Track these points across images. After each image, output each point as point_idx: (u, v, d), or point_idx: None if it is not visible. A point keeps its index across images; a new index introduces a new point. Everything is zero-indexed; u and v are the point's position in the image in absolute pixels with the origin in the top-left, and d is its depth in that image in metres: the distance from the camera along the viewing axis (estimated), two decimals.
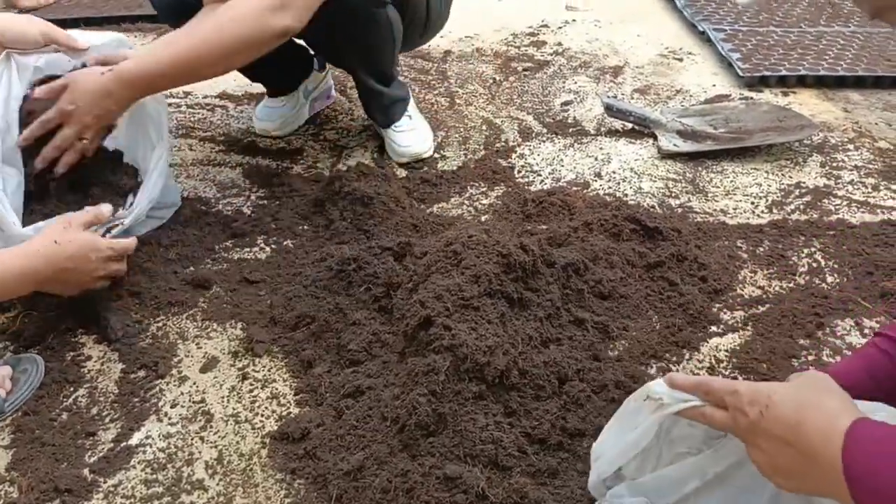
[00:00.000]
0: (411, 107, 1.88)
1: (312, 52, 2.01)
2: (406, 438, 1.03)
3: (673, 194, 1.69)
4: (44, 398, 1.18)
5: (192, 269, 1.46)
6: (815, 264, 1.44)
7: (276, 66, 1.91)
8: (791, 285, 1.39)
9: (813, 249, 1.49)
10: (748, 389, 0.71)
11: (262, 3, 1.32)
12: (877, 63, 2.26)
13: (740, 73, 2.23)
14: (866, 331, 1.28)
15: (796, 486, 0.69)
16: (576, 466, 1.03)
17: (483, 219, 1.61)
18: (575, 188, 1.71)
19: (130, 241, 1.30)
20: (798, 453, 0.66)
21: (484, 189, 1.73)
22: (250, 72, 1.92)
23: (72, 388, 1.20)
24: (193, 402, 1.17)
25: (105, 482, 1.04)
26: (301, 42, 1.92)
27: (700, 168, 1.80)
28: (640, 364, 1.21)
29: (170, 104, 2.15)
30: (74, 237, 1.20)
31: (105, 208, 1.29)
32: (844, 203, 1.64)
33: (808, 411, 0.66)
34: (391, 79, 1.80)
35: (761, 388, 0.71)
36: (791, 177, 1.75)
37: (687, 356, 1.24)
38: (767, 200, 1.66)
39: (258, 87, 2.15)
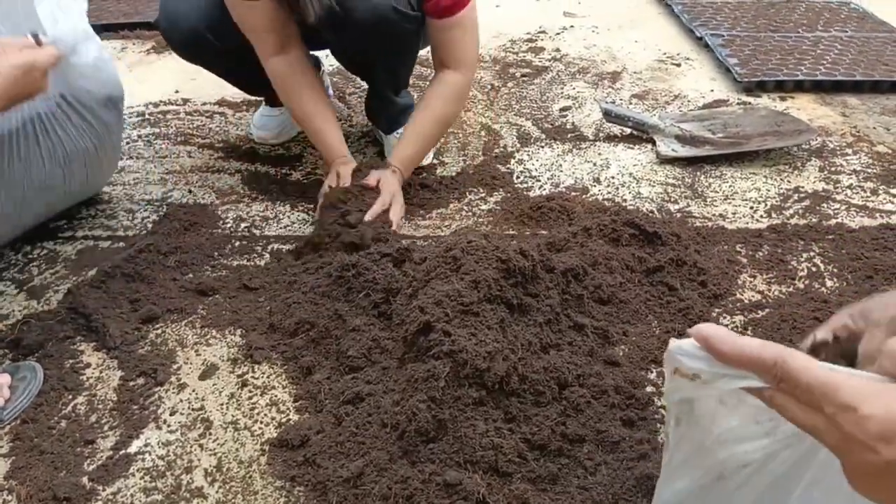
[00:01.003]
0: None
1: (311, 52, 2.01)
2: (406, 445, 1.03)
3: (672, 199, 1.69)
4: (42, 406, 1.18)
5: (191, 275, 1.46)
6: (814, 269, 1.44)
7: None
8: (790, 290, 1.39)
9: (812, 254, 1.49)
10: (880, 413, 0.44)
11: (471, 77, 1.67)
12: (874, 67, 2.27)
13: (738, 79, 2.24)
14: None
15: None
16: (576, 472, 1.03)
17: (482, 224, 1.61)
18: (574, 193, 1.71)
19: (53, 49, 1.24)
20: None
21: (483, 195, 1.73)
22: (248, 86, 1.91)
23: (70, 396, 1.20)
24: (192, 410, 1.17)
25: (104, 490, 1.04)
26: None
27: (699, 173, 1.80)
28: (641, 369, 1.21)
29: (167, 111, 2.16)
30: (15, 61, 1.16)
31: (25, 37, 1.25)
32: (843, 207, 1.65)
33: None
34: (404, 88, 1.82)
35: None
36: (790, 181, 1.75)
37: None
38: (766, 205, 1.66)
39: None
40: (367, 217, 1.48)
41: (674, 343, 0.57)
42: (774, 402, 0.51)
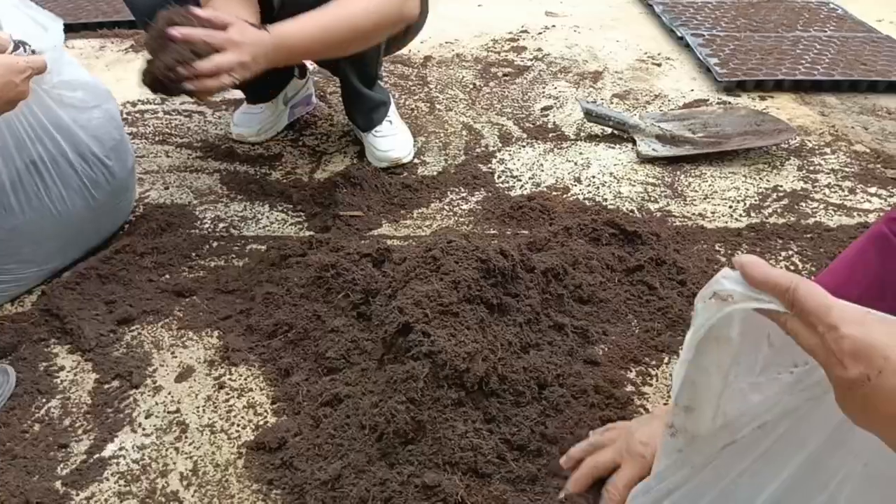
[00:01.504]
0: (392, 112, 1.87)
1: None
2: (384, 447, 1.02)
3: (652, 199, 1.69)
4: (15, 409, 1.16)
5: (167, 276, 1.44)
6: (792, 267, 1.45)
7: (257, 76, 1.90)
8: None
9: (791, 252, 1.49)
10: (855, 334, 0.52)
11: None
12: (853, 67, 2.29)
13: (718, 78, 2.25)
14: None
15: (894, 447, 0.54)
16: (556, 473, 1.03)
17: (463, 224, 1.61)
18: (555, 193, 1.71)
19: (42, 58, 1.20)
20: None
21: (464, 194, 1.72)
22: None
23: (44, 399, 1.18)
24: (168, 413, 1.15)
25: (78, 495, 1.02)
26: None
27: (679, 172, 1.80)
28: (620, 368, 1.21)
29: (146, 110, 2.14)
30: None
31: (2, 35, 1.19)
32: (822, 206, 1.66)
33: None
34: (374, 81, 1.80)
35: (875, 339, 0.51)
36: (769, 180, 1.76)
37: (667, 360, 1.24)
38: (745, 204, 1.67)
39: (236, 93, 2.13)
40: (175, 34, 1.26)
41: (721, 271, 0.63)
42: (788, 326, 0.57)
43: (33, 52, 1.21)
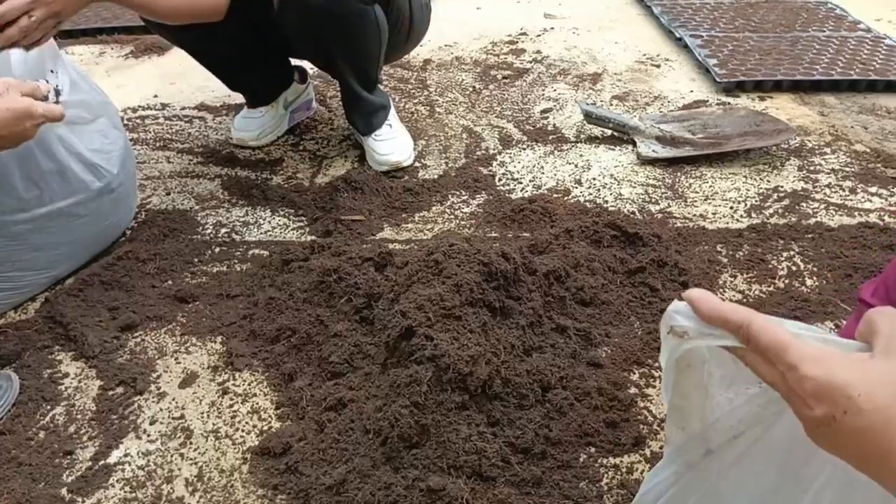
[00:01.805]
0: (392, 115, 1.88)
1: (295, 64, 2.00)
2: (389, 451, 1.02)
3: (653, 200, 1.69)
4: (20, 417, 1.16)
5: (170, 282, 1.44)
6: (794, 267, 1.45)
7: (257, 77, 1.91)
8: (771, 289, 1.40)
9: (792, 253, 1.50)
10: (817, 375, 0.50)
11: None
12: (851, 67, 2.29)
13: (717, 79, 2.25)
14: None
15: (868, 476, 0.52)
16: (560, 475, 1.03)
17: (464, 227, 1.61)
18: (555, 195, 1.71)
19: (59, 109, 1.20)
20: (882, 474, 0.50)
21: (465, 197, 1.73)
22: (231, 81, 1.91)
23: (49, 406, 1.18)
24: (173, 419, 1.16)
25: (83, 502, 1.02)
26: (281, 50, 1.91)
27: (679, 174, 1.80)
28: (623, 370, 1.21)
29: (146, 116, 2.14)
30: (12, 104, 1.11)
31: (42, 84, 1.20)
32: (822, 206, 1.66)
33: None
34: (374, 84, 1.80)
35: (837, 380, 0.49)
36: (769, 181, 1.76)
37: None
38: (746, 205, 1.67)
39: (237, 98, 2.14)
40: None
41: (672, 305, 0.62)
42: (747, 359, 0.56)
43: (57, 93, 1.21)
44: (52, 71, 1.29)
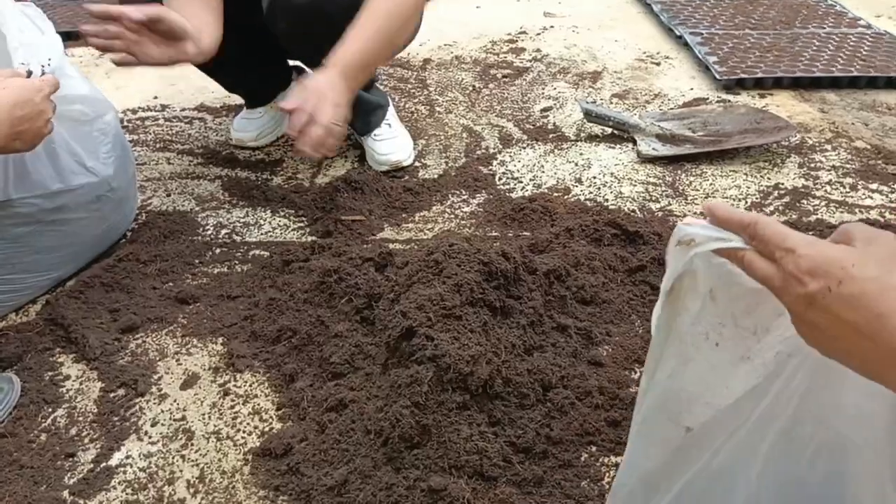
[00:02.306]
0: (391, 115, 1.87)
1: (293, 64, 2.00)
2: (390, 451, 1.02)
3: (653, 198, 1.69)
4: (22, 419, 1.16)
5: (171, 284, 1.44)
6: None
7: (255, 78, 1.91)
8: None
9: None
10: (812, 253, 0.55)
11: None
12: (852, 63, 2.29)
13: (717, 77, 2.25)
14: None
15: (856, 368, 0.55)
16: (561, 474, 1.03)
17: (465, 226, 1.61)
18: (556, 194, 1.71)
19: (55, 78, 1.20)
20: (875, 347, 0.52)
21: (465, 197, 1.73)
22: (230, 81, 1.91)
23: (50, 409, 1.18)
24: (174, 420, 1.16)
25: None
26: (278, 51, 1.91)
27: (679, 171, 1.80)
28: (625, 369, 1.21)
29: (146, 117, 2.14)
30: (7, 84, 1.10)
31: (20, 68, 1.19)
32: (823, 203, 1.66)
33: None
34: (371, 83, 1.80)
35: (831, 255, 0.54)
36: (769, 178, 1.76)
37: None
38: (747, 202, 1.67)
39: (237, 99, 2.14)
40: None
41: (681, 222, 0.66)
42: (745, 260, 0.60)
43: (43, 73, 1.21)
44: (43, 64, 1.28)
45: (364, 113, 1.81)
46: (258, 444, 1.10)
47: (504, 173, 1.82)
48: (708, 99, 2.18)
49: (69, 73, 1.36)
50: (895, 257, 0.54)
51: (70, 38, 2.76)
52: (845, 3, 2.86)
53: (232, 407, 1.18)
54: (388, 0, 1.47)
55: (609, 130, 1.98)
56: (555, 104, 2.17)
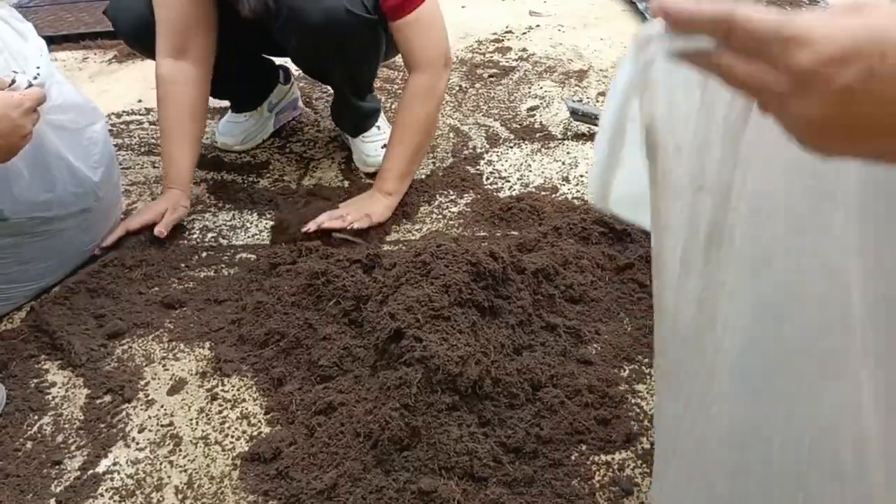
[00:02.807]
0: (380, 117, 1.87)
1: (279, 64, 1.99)
2: (379, 454, 1.02)
3: None
4: (7, 427, 1.15)
5: (157, 289, 1.43)
6: None
7: (242, 83, 1.89)
8: None
9: None
10: (834, 34, 0.41)
11: (437, 76, 1.58)
12: None
13: None
14: None
15: (853, 152, 0.45)
16: (552, 473, 1.03)
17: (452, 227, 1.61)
18: (543, 193, 1.71)
19: (41, 91, 1.19)
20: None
21: (453, 197, 1.72)
22: (217, 88, 1.89)
23: (36, 416, 1.17)
24: (161, 426, 1.15)
25: None
26: (267, 56, 1.90)
27: None
28: (613, 367, 1.21)
29: (130, 121, 2.13)
30: None
31: (3, 78, 1.18)
32: None
33: None
34: (368, 92, 1.80)
35: (862, 31, 0.41)
36: None
37: None
38: None
39: (222, 102, 2.12)
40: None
41: (646, 24, 0.53)
42: (721, 63, 0.47)
43: (30, 84, 1.19)
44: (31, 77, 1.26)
45: (358, 118, 1.80)
46: (246, 448, 1.09)
47: (491, 173, 1.82)
48: None
49: (59, 79, 1.35)
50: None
51: (53, 42, 2.74)
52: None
53: (220, 412, 1.17)
54: (410, 110, 1.59)
55: (596, 129, 1.98)
56: (541, 103, 2.17)
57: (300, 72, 2.20)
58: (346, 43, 1.51)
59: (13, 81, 1.16)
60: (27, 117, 1.14)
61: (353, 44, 1.53)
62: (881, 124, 0.42)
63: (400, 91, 2.27)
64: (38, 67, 1.26)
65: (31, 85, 1.19)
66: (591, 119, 1.95)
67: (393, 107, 2.16)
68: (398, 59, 2.46)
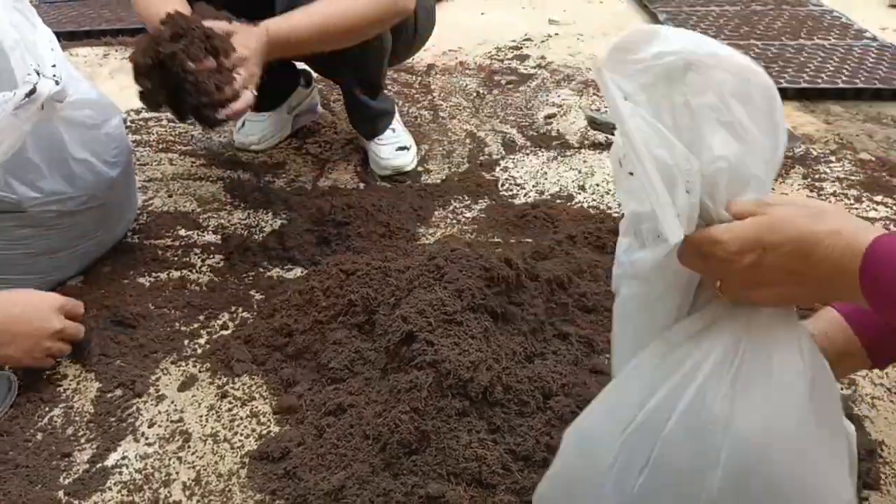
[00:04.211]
0: (395, 120, 1.87)
1: (300, 68, 2.00)
2: (388, 457, 1.01)
3: None
4: (18, 418, 1.15)
5: (169, 285, 1.43)
6: None
7: (265, 83, 1.90)
8: None
9: None
10: (731, 237, 0.66)
11: None
12: (857, 75, 2.28)
13: None
14: None
15: (795, 300, 0.69)
16: None
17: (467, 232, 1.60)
18: (559, 201, 1.71)
19: (78, 305, 1.24)
20: (818, 261, 0.63)
21: (468, 202, 1.72)
22: None
23: (47, 408, 1.18)
24: (171, 422, 1.15)
25: None
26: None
27: None
28: None
29: (149, 118, 2.14)
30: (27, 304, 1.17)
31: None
32: None
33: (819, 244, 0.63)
34: (378, 91, 1.80)
35: (747, 234, 0.65)
36: (774, 189, 1.75)
37: None
38: None
39: None
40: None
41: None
42: (683, 261, 0.70)
43: (56, 83, 1.17)
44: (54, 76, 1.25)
45: (371, 119, 1.81)
46: (255, 447, 1.09)
47: (507, 179, 1.82)
48: None
49: (75, 75, 1.35)
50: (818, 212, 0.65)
51: (75, 37, 2.77)
52: (851, 14, 2.86)
53: (229, 409, 1.17)
54: (349, 3, 1.45)
55: (613, 138, 1.98)
56: (559, 111, 2.17)
57: (318, 75, 2.22)
58: (364, 44, 1.51)
59: (33, 90, 1.13)
60: (60, 346, 1.20)
61: (371, 44, 1.53)
62: (772, 281, 0.66)
63: (418, 96, 2.28)
64: (53, 66, 1.24)
65: (56, 82, 1.17)
66: (609, 128, 1.95)
67: (410, 111, 2.17)
68: (414, 62, 2.48)
